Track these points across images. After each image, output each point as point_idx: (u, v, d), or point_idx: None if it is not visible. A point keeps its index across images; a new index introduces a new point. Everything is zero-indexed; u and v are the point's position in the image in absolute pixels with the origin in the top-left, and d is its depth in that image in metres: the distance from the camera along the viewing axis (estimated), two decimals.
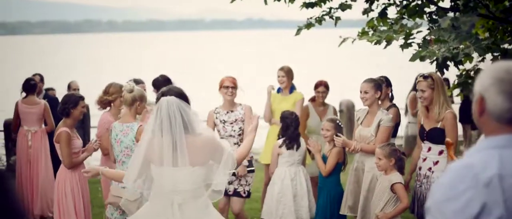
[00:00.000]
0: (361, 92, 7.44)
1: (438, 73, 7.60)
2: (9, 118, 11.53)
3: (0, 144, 13.14)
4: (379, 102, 7.62)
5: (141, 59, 66.41)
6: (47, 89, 12.09)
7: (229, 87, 7.95)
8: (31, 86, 10.18)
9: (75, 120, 7.41)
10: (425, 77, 6.93)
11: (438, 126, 6.84)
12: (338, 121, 7.72)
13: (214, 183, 5.10)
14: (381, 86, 7.51)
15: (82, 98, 7.47)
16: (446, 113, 6.82)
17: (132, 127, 6.89)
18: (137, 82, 8.18)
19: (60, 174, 7.39)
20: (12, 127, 10.79)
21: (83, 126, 11.93)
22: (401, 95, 11.76)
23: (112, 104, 7.79)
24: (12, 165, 11.36)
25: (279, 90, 9.46)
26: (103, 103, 7.82)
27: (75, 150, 7.35)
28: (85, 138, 11.58)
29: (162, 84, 8.13)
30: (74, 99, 7.38)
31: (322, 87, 9.39)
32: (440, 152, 6.85)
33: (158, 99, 5.07)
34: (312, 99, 9.51)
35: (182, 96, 5.06)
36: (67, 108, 7.31)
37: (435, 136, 6.86)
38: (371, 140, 7.39)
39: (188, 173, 4.96)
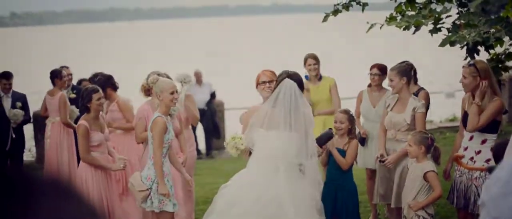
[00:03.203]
0: (388, 80, 7.54)
1: (485, 61, 7.41)
2: (38, 110, 11.61)
3: (30, 135, 13.25)
4: (408, 88, 7.58)
5: (167, 48, 66.51)
6: (81, 80, 12.04)
7: (266, 82, 6.88)
8: (54, 76, 10.32)
9: (95, 112, 7.51)
10: (469, 64, 6.80)
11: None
12: (350, 113, 7.39)
13: None
14: (406, 72, 7.46)
15: (95, 90, 7.56)
16: (493, 100, 6.65)
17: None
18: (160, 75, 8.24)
19: (80, 169, 7.50)
20: (41, 116, 10.98)
21: None
22: None
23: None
24: (43, 156, 11.44)
25: (306, 78, 9.35)
26: (145, 90, 7.92)
27: (94, 143, 7.47)
28: None
29: (103, 82, 8.57)
30: (87, 93, 7.51)
31: (375, 69, 8.59)
32: (483, 141, 6.69)
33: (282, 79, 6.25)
34: (369, 84, 8.81)
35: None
36: (83, 104, 7.51)
37: None
38: (403, 126, 7.35)
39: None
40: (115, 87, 8.87)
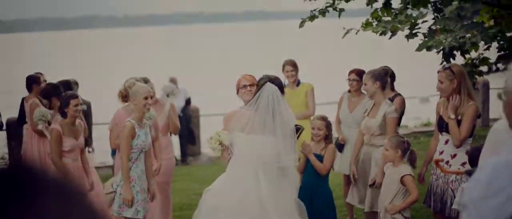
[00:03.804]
0: (363, 84, 7.63)
1: (460, 65, 7.44)
2: (12, 116, 11.48)
3: (4, 143, 13.10)
4: (383, 93, 7.61)
5: (141, 56, 66.31)
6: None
7: (247, 85, 6.72)
8: (32, 82, 10.23)
9: (72, 118, 7.48)
10: (445, 68, 6.82)
11: (459, 118, 6.67)
12: (328, 119, 7.37)
13: None
14: (380, 76, 7.48)
15: (73, 96, 7.54)
16: (469, 105, 6.67)
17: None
18: (144, 81, 8.23)
19: None
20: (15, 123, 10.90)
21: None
22: None
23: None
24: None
25: (284, 84, 9.32)
26: (122, 96, 7.93)
27: (65, 148, 7.46)
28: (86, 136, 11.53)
29: (51, 91, 8.70)
30: (65, 99, 7.49)
31: (353, 74, 8.48)
32: (458, 145, 6.70)
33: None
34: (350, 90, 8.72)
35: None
36: (60, 109, 7.50)
37: None
38: (376, 130, 7.38)
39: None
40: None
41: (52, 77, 10.34)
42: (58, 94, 8.72)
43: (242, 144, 6.23)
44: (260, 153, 6.17)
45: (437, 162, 6.77)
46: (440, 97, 7.03)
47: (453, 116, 6.61)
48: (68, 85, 9.24)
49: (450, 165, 6.73)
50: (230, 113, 6.64)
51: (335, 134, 8.71)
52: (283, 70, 9.33)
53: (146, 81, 8.16)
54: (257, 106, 6.21)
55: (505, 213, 2.23)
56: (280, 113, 6.20)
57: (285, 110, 6.28)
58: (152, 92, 7.15)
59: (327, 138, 7.25)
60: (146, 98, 6.87)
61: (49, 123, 8.52)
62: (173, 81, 15.27)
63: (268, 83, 6.29)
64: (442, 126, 6.81)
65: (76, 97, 7.53)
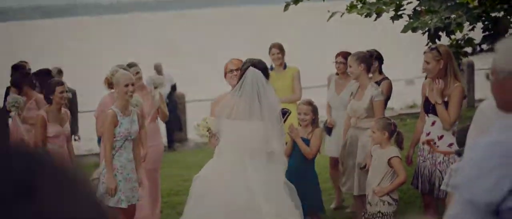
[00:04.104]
0: (348, 66, 7.57)
1: (446, 46, 7.42)
2: None
3: None
4: (369, 75, 7.60)
5: (127, 42, 66.07)
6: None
7: (234, 70, 6.74)
8: (17, 71, 10.15)
9: (57, 105, 7.46)
10: (431, 48, 6.81)
11: (445, 99, 6.67)
12: (313, 103, 7.34)
13: None
14: (365, 59, 7.47)
15: (59, 83, 7.53)
16: (454, 86, 6.67)
17: None
18: (130, 65, 8.22)
19: None
20: None
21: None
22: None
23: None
24: None
25: (271, 68, 9.31)
26: (108, 83, 7.88)
27: (50, 134, 7.44)
28: (73, 124, 11.48)
29: (21, 79, 8.70)
30: (51, 85, 7.47)
31: (340, 57, 8.49)
32: (449, 128, 6.67)
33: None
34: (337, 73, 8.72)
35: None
36: (46, 95, 7.49)
37: None
38: (362, 113, 7.37)
39: None
40: (33, 85, 8.79)
41: (39, 65, 10.24)
42: (29, 82, 8.68)
43: (229, 130, 6.18)
44: (247, 138, 6.12)
45: (428, 142, 6.75)
46: (426, 78, 7.03)
47: (440, 101, 6.60)
48: (48, 74, 9.16)
49: (437, 147, 6.74)
50: (217, 99, 6.62)
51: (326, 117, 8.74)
52: (269, 53, 9.32)
53: (131, 65, 8.14)
54: (241, 92, 6.13)
55: (498, 192, 2.23)
56: (266, 97, 6.13)
57: (270, 94, 6.20)
58: (133, 80, 7.09)
59: (314, 122, 7.23)
60: (127, 85, 6.85)
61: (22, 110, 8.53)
62: (158, 67, 15.24)
63: (251, 67, 6.19)
64: (428, 107, 6.80)
65: (62, 84, 7.52)
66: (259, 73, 6.17)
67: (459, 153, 5.52)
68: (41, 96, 8.65)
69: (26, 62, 10.86)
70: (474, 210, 2.27)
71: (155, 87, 8.40)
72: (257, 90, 6.09)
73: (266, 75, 6.27)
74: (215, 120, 6.31)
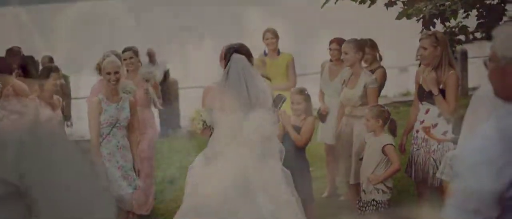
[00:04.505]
0: (343, 53, 7.48)
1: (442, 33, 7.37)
2: None
3: None
4: (364, 63, 7.57)
5: (121, 27, 65.77)
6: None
7: None
8: (12, 56, 10.05)
9: (49, 92, 7.41)
10: (429, 34, 6.76)
11: (440, 87, 6.62)
12: (306, 92, 7.19)
13: None
14: (363, 47, 7.42)
15: (53, 69, 7.50)
16: (450, 73, 6.63)
17: None
18: (126, 50, 8.25)
19: None
20: None
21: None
22: None
23: None
24: None
25: (265, 53, 9.27)
26: (99, 69, 7.84)
27: (41, 119, 7.30)
28: (65, 110, 11.44)
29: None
30: (45, 71, 7.48)
31: (334, 44, 8.33)
32: (440, 114, 6.66)
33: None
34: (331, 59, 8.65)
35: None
36: (40, 80, 7.45)
37: None
38: (356, 101, 7.32)
39: None
40: (9, 71, 8.66)
41: (30, 52, 10.17)
42: (6, 67, 8.55)
43: (221, 122, 6.11)
44: (239, 128, 6.04)
45: (425, 129, 6.68)
46: (419, 65, 6.99)
47: (437, 93, 6.56)
48: (32, 60, 9.07)
49: (432, 134, 6.71)
50: (205, 90, 6.51)
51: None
52: (263, 38, 9.27)
53: (126, 50, 8.13)
54: (228, 82, 6.03)
55: (504, 177, 2.22)
56: (254, 85, 6.03)
57: (258, 79, 6.11)
58: (118, 68, 7.03)
59: (307, 110, 7.17)
60: (108, 73, 6.90)
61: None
62: (150, 53, 15.16)
63: (234, 54, 6.11)
64: (422, 95, 6.77)
65: (58, 71, 7.49)
66: (243, 58, 6.07)
67: (456, 141, 5.50)
68: (19, 82, 8.53)
69: (19, 48, 10.80)
70: (477, 198, 2.25)
71: (146, 80, 8.31)
72: (243, 77, 5.99)
73: (250, 58, 6.17)
74: (208, 111, 6.22)
